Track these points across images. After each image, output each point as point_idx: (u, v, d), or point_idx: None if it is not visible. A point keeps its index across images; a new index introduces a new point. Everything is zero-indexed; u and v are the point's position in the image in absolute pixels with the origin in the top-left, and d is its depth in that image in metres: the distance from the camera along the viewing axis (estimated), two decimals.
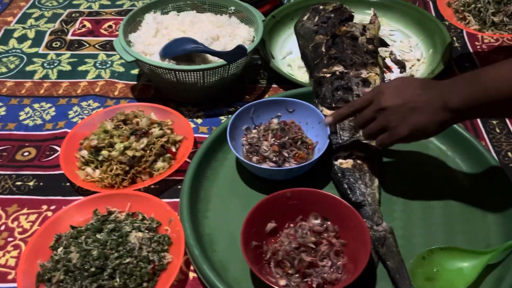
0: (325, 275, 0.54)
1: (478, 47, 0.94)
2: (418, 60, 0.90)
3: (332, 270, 0.55)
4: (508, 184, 0.62)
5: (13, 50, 0.96)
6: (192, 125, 0.78)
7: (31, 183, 0.69)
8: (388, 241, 0.59)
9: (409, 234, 0.61)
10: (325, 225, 0.59)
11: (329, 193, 0.60)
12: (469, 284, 0.54)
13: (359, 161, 0.67)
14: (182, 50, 0.76)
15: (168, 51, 0.77)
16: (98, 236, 0.57)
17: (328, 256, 0.56)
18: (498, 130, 0.76)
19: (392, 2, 1.02)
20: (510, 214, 0.59)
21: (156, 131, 0.70)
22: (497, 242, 0.58)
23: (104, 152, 0.67)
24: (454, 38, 0.96)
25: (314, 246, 0.56)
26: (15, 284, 0.57)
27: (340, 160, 0.68)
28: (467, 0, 0.73)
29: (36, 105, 0.83)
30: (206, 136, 0.74)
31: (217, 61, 0.76)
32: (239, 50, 0.73)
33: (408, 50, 0.93)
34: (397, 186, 0.67)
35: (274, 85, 0.87)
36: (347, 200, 0.63)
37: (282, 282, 0.54)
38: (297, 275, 0.55)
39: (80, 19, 1.05)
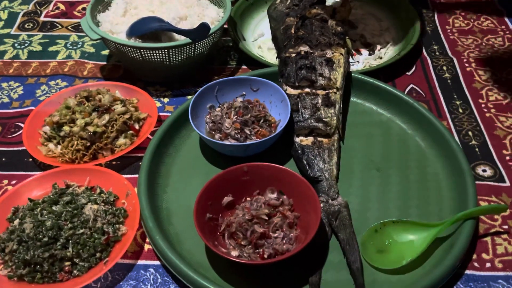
0: (277, 246, 0.55)
1: (449, 31, 0.94)
2: (388, 43, 0.90)
3: (284, 241, 0.56)
4: (464, 162, 0.63)
5: None
6: (159, 104, 0.78)
7: None
8: (342, 214, 0.59)
9: (365, 208, 0.62)
10: (280, 199, 0.60)
11: (285, 168, 0.61)
12: (417, 255, 0.54)
13: (319, 139, 0.68)
14: (148, 28, 0.76)
15: (134, 30, 0.77)
16: (54, 208, 0.57)
17: (281, 228, 0.57)
18: (461, 110, 0.76)
19: None
20: (463, 190, 0.60)
21: (118, 108, 0.70)
22: (449, 216, 0.59)
23: (66, 128, 0.67)
24: (426, 22, 0.97)
25: (267, 218, 0.57)
26: None
27: (301, 138, 0.69)
28: None
29: (4, 84, 0.83)
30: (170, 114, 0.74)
31: (182, 39, 0.76)
32: (202, 28, 0.73)
33: (379, 33, 0.93)
34: (357, 163, 0.68)
35: (243, 67, 0.87)
36: (306, 175, 0.64)
37: (235, 253, 0.55)
38: (249, 246, 0.56)
39: (54, 1, 1.05)
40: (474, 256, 0.57)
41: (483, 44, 0.90)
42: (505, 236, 0.59)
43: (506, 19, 0.96)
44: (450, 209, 0.60)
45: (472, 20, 0.97)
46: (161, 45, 0.74)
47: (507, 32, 0.93)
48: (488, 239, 0.58)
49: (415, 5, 0.99)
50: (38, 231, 0.54)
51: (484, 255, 0.57)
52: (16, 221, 0.57)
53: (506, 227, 0.60)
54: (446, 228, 0.56)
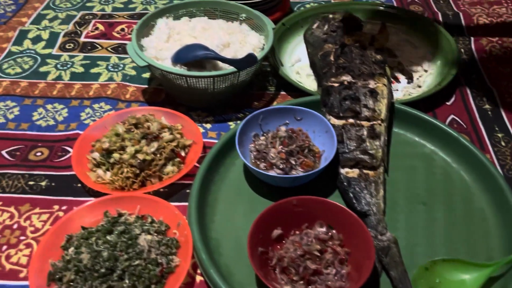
0: (329, 282, 0.56)
1: (486, 59, 0.95)
2: (426, 71, 0.91)
3: (336, 278, 0.56)
4: (511, 198, 0.63)
5: (27, 51, 0.98)
6: (201, 130, 0.79)
7: (43, 183, 0.71)
8: (392, 251, 0.60)
9: (412, 244, 0.62)
10: (330, 234, 0.60)
11: (334, 202, 0.61)
12: None
13: (365, 171, 0.69)
14: (194, 56, 0.77)
15: (179, 57, 0.79)
16: (108, 237, 0.59)
17: (332, 264, 0.57)
18: (503, 143, 0.76)
19: (401, 12, 1.03)
20: (509, 227, 0.60)
21: (166, 135, 0.71)
22: (499, 255, 0.59)
23: (116, 155, 0.68)
24: (462, 50, 0.97)
25: (319, 254, 0.58)
26: (26, 282, 0.58)
27: (346, 169, 0.70)
28: None
29: (49, 106, 0.84)
30: (215, 141, 0.76)
31: (227, 68, 0.77)
32: (250, 58, 0.74)
33: (416, 61, 0.94)
34: (402, 197, 0.68)
35: (282, 92, 0.88)
36: (352, 209, 0.64)
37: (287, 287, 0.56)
38: (301, 282, 0.56)
39: (93, 21, 1.07)
40: None
41: None
42: None
43: None
44: (498, 247, 0.60)
45: (509, 48, 0.97)
46: (207, 74, 0.75)
47: None
48: None
49: (451, 32, 1.00)
50: (95, 262, 0.55)
51: None
52: (71, 249, 0.58)
53: None
54: (498, 268, 0.56)
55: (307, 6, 1.10)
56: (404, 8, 1.05)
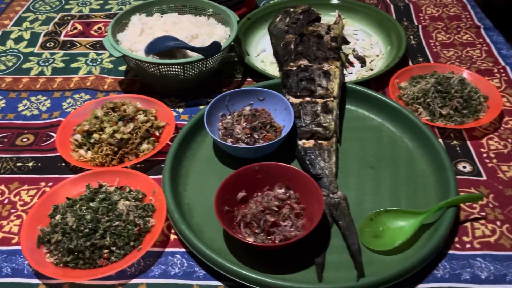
0: (286, 233, 0.64)
1: (432, 44, 1.05)
2: (377, 56, 1.00)
3: (292, 229, 0.65)
4: (446, 159, 0.72)
5: (10, 50, 1.05)
6: (174, 114, 0.87)
7: (30, 164, 0.78)
8: (341, 205, 0.68)
9: (360, 200, 0.71)
10: (288, 194, 0.69)
11: (291, 166, 0.69)
12: (407, 238, 0.63)
13: (319, 141, 0.77)
14: (165, 46, 0.85)
15: (152, 48, 0.86)
16: (91, 204, 0.66)
17: (289, 217, 0.66)
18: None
19: (356, 5, 1.13)
20: (445, 184, 0.69)
21: (141, 117, 0.79)
22: (434, 205, 0.68)
23: (95, 135, 0.76)
24: (411, 36, 1.07)
25: (277, 209, 0.66)
26: (18, 247, 0.65)
27: (303, 141, 0.78)
28: (416, 94, 0.83)
29: (33, 98, 0.91)
30: (186, 123, 0.83)
31: (195, 56, 0.85)
32: (214, 45, 0.82)
33: (369, 47, 1.04)
34: (353, 163, 0.77)
35: (248, 79, 0.97)
36: (308, 173, 0.73)
37: (250, 239, 0.64)
38: (262, 233, 0.64)
39: (72, 21, 1.14)
40: (456, 239, 0.66)
41: (463, 56, 1.01)
42: (482, 221, 0.68)
43: (483, 33, 1.07)
44: (434, 200, 0.69)
45: (453, 34, 1.08)
46: (176, 61, 0.83)
47: (484, 45, 1.04)
48: (468, 224, 0.68)
49: (402, 21, 1.10)
50: (79, 224, 0.63)
51: (464, 238, 0.66)
52: (58, 217, 0.65)
53: (483, 213, 0.69)
54: (431, 215, 0.65)
55: (271, 2, 1.19)
56: (359, 1, 1.14)
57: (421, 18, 1.14)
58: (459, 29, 1.09)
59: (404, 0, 1.21)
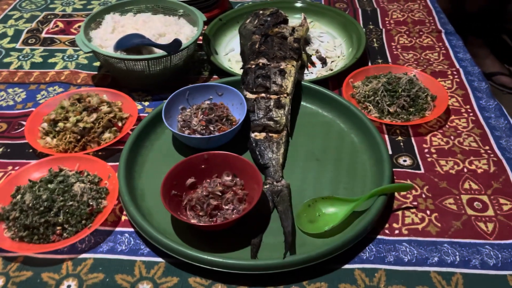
0: (227, 215, 0.69)
1: (393, 47, 1.10)
2: (338, 57, 1.05)
3: (233, 212, 0.70)
4: (385, 152, 0.77)
5: None
6: (140, 107, 0.93)
7: (0, 149, 0.83)
8: (283, 192, 0.73)
9: (303, 189, 0.75)
10: (234, 181, 0.74)
11: (238, 155, 0.74)
12: (337, 223, 0.68)
13: (270, 134, 0.83)
14: (131, 43, 0.91)
15: (120, 45, 0.92)
16: (49, 185, 0.71)
17: (232, 202, 0.71)
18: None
19: (324, 8, 1.18)
20: (382, 175, 0.74)
21: (104, 108, 0.84)
22: None
23: (60, 124, 0.81)
24: (374, 39, 1.12)
25: (220, 194, 0.71)
26: None
27: (255, 133, 0.83)
28: (367, 93, 0.89)
29: (10, 90, 0.97)
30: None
31: (160, 52, 0.91)
32: (175, 43, 0.88)
33: (333, 49, 1.09)
34: (300, 155, 0.82)
35: (215, 76, 1.02)
36: (258, 164, 0.78)
37: (194, 220, 0.69)
38: (205, 216, 0.69)
39: (54, 20, 1.20)
40: (387, 225, 0.70)
41: (421, 58, 1.06)
42: (413, 210, 0.72)
43: (444, 37, 1.12)
44: (370, 190, 0.74)
45: (414, 38, 1.12)
46: (141, 57, 0.89)
47: (443, 48, 1.08)
48: (400, 212, 0.72)
49: (368, 25, 1.15)
50: (36, 202, 0.68)
51: (394, 225, 0.70)
52: (19, 196, 0.71)
53: (415, 203, 0.73)
54: (362, 202, 0.70)
55: (245, 5, 1.24)
56: (326, 5, 1.20)
57: (387, 22, 1.19)
58: (421, 33, 1.14)
59: (372, 5, 1.26)
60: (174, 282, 0.63)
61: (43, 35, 1.14)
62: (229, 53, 1.09)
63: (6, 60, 1.06)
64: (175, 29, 0.99)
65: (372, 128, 0.82)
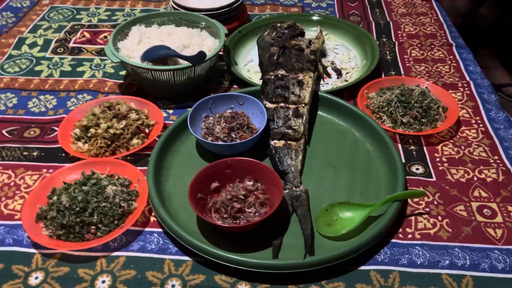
0: (250, 218, 0.73)
1: (406, 59, 1.14)
2: (353, 68, 1.10)
3: (256, 215, 0.74)
4: (399, 161, 0.81)
5: (25, 54, 1.17)
6: (165, 114, 0.98)
7: (35, 153, 0.89)
8: (301, 197, 0.78)
9: (320, 194, 0.80)
10: (256, 186, 0.78)
11: (259, 161, 0.79)
12: (354, 227, 0.72)
13: (289, 142, 0.87)
14: (158, 54, 0.96)
15: (147, 55, 0.98)
16: (83, 188, 0.76)
17: (254, 205, 0.75)
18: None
19: (338, 21, 1.23)
20: (395, 182, 0.78)
21: (133, 115, 0.90)
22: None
23: (92, 130, 0.86)
24: (387, 52, 1.17)
25: (243, 198, 0.75)
26: (19, 222, 0.76)
27: (275, 141, 0.88)
28: (381, 103, 0.94)
29: (41, 97, 1.03)
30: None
31: (185, 63, 0.96)
32: (200, 55, 0.93)
33: (348, 60, 1.13)
34: (317, 162, 0.86)
35: (235, 86, 1.07)
36: (277, 169, 0.83)
37: (218, 222, 0.73)
38: (229, 218, 0.74)
39: (81, 30, 1.26)
40: (400, 230, 0.74)
41: (433, 70, 1.10)
42: (425, 216, 0.76)
43: (455, 50, 1.16)
44: (384, 196, 0.77)
45: (426, 50, 1.17)
46: (168, 68, 0.94)
47: (454, 61, 1.13)
48: (413, 218, 0.76)
49: (381, 38, 1.19)
50: (72, 203, 0.73)
51: (407, 229, 0.74)
52: (55, 197, 0.76)
53: (427, 209, 0.77)
54: (378, 207, 0.74)
55: (263, 17, 1.29)
56: (341, 19, 1.25)
57: (399, 35, 1.23)
58: (432, 46, 1.18)
59: (385, 18, 1.30)
60: (201, 279, 0.68)
61: (71, 44, 1.20)
62: (248, 63, 1.14)
63: (37, 68, 1.12)
64: (198, 41, 1.04)
65: (386, 138, 0.86)
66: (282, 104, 0.91)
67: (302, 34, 1.14)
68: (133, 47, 1.02)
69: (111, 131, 0.86)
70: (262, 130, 0.86)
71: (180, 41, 1.02)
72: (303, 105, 0.91)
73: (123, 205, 0.75)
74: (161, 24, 1.11)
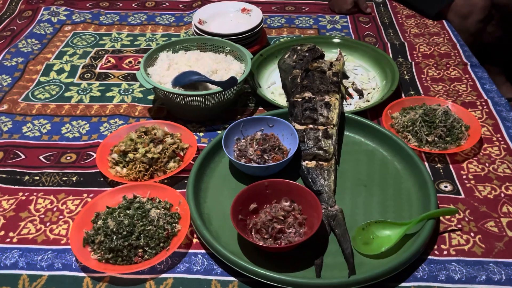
0: (290, 238, 0.76)
1: (423, 79, 1.18)
2: (374, 89, 1.14)
3: (296, 235, 0.77)
4: (429, 180, 0.84)
5: (53, 80, 1.20)
6: (196, 137, 1.01)
7: (74, 178, 0.91)
8: (338, 217, 0.81)
9: (354, 213, 0.83)
10: (292, 206, 0.81)
11: (296, 182, 0.82)
12: (392, 245, 0.75)
13: (320, 162, 0.90)
14: (189, 80, 1.00)
15: (178, 81, 1.01)
16: (127, 211, 0.79)
17: (293, 226, 0.78)
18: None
19: (356, 43, 1.27)
20: (427, 200, 0.81)
21: (169, 140, 0.93)
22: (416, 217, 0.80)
23: (130, 155, 0.89)
24: (405, 72, 1.21)
25: (283, 218, 0.78)
26: (66, 246, 0.78)
27: (306, 162, 0.91)
28: (406, 123, 0.98)
29: (74, 122, 1.06)
30: (206, 145, 0.97)
31: (215, 88, 0.99)
32: (232, 80, 0.97)
33: (367, 81, 1.17)
34: (349, 181, 0.89)
35: (260, 108, 1.11)
36: (310, 189, 0.85)
37: (260, 242, 0.76)
38: (270, 238, 0.77)
39: (106, 55, 1.30)
40: (435, 247, 0.77)
41: (450, 89, 1.14)
42: (458, 232, 0.79)
43: (470, 69, 1.20)
44: (417, 214, 0.81)
45: (442, 70, 1.21)
46: (199, 93, 0.97)
47: (470, 80, 1.17)
48: (446, 235, 0.79)
49: (398, 58, 1.23)
50: (119, 227, 0.76)
51: (442, 246, 0.77)
52: (100, 222, 0.78)
53: (460, 226, 0.80)
54: (413, 225, 0.77)
55: (281, 40, 1.34)
56: (358, 40, 1.29)
57: (415, 55, 1.28)
58: (448, 65, 1.22)
59: (400, 39, 1.35)
60: None
61: (98, 70, 1.24)
62: (271, 86, 1.18)
63: (67, 94, 1.15)
64: (225, 66, 1.08)
65: (415, 156, 0.89)
66: (311, 126, 0.95)
67: (322, 56, 1.18)
68: (163, 73, 1.05)
69: (149, 155, 0.89)
70: (295, 152, 0.89)
71: (209, 66, 1.05)
72: (331, 126, 0.95)
73: (167, 227, 0.78)
74: (187, 49, 1.15)
